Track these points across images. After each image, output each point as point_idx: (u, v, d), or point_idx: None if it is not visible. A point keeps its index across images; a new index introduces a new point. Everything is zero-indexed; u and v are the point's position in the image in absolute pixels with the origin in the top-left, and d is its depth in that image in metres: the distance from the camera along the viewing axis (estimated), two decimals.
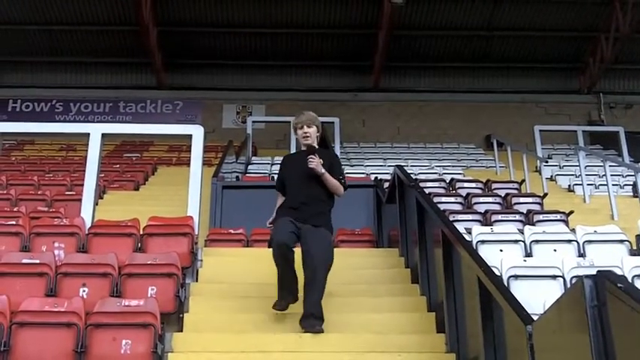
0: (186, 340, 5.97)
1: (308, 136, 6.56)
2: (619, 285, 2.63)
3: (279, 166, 7.18)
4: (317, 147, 6.61)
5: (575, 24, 22.37)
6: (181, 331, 6.23)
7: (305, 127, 6.58)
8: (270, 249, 6.09)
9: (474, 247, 7.22)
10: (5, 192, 11.82)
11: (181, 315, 6.44)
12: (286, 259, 5.94)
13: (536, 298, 5.17)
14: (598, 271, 2.81)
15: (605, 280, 2.74)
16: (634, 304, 2.46)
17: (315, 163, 6.27)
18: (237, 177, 14.98)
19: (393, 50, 22.33)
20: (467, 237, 6.89)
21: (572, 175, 15.60)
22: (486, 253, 7.08)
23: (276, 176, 7.45)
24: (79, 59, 23.43)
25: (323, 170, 6.29)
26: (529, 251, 7.67)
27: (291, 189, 6.50)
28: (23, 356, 5.31)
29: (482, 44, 23.14)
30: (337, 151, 18.18)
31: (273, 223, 6.42)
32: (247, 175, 16.01)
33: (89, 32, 22.59)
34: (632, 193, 14.03)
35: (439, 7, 21.74)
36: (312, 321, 5.78)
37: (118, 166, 16.19)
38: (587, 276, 2.82)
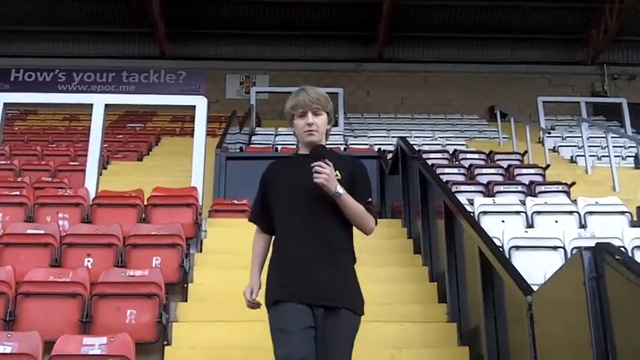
0: (191, 309, 6.02)
1: (314, 131, 3.69)
2: (617, 257, 2.66)
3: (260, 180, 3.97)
4: (325, 146, 3.77)
5: None
6: (186, 300, 6.29)
7: (309, 114, 3.68)
8: None
9: (476, 218, 7.28)
10: (9, 162, 11.83)
11: (186, 285, 6.48)
12: None
13: (537, 268, 5.20)
14: (597, 244, 2.84)
15: (603, 252, 2.77)
16: (631, 276, 2.50)
17: (325, 175, 3.48)
18: (240, 148, 15.01)
19: (398, 20, 22.15)
20: (469, 208, 6.93)
21: (575, 146, 15.63)
22: (488, 224, 7.14)
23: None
24: (82, 29, 23.28)
25: (340, 190, 3.53)
26: (530, 222, 7.72)
27: (283, 226, 3.76)
28: (28, 326, 5.33)
29: (487, 15, 22.96)
30: (340, 122, 18.06)
31: (258, 293, 4.18)
32: (251, 145, 16.01)
33: (92, 1, 22.43)
34: (634, 165, 14.10)
35: None
36: None
37: (121, 136, 16.14)
38: (585, 248, 2.85)
